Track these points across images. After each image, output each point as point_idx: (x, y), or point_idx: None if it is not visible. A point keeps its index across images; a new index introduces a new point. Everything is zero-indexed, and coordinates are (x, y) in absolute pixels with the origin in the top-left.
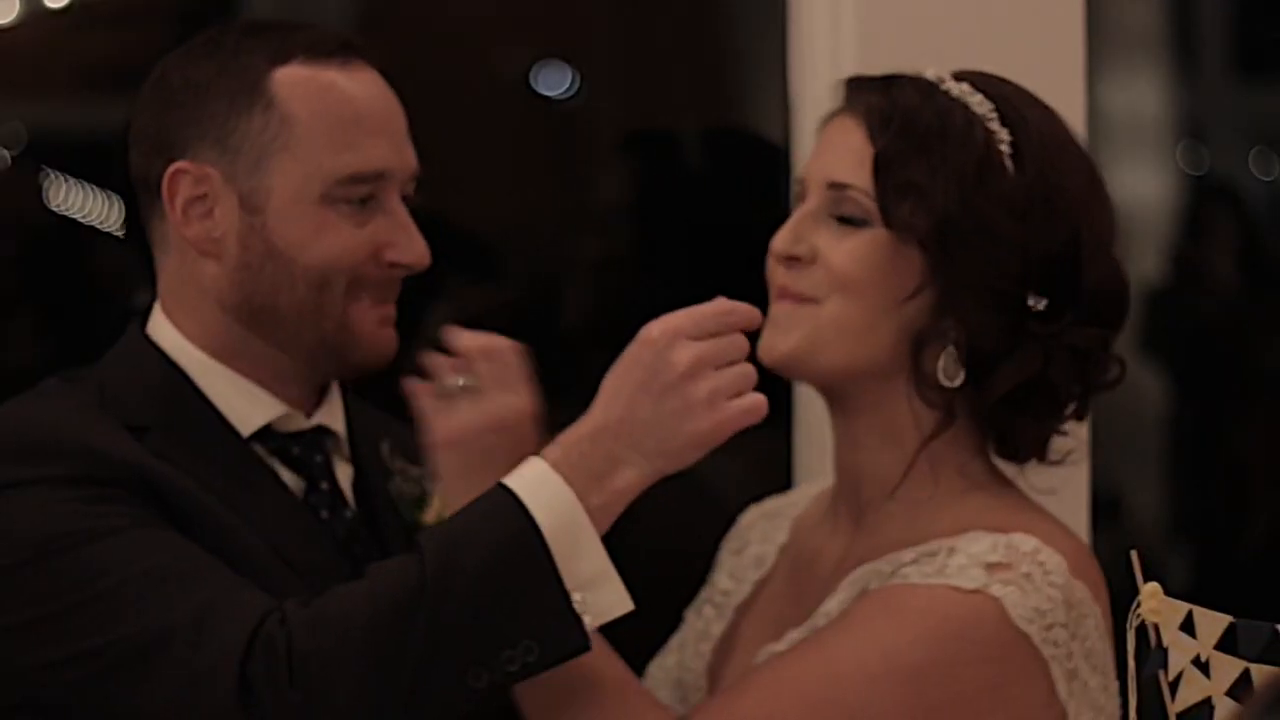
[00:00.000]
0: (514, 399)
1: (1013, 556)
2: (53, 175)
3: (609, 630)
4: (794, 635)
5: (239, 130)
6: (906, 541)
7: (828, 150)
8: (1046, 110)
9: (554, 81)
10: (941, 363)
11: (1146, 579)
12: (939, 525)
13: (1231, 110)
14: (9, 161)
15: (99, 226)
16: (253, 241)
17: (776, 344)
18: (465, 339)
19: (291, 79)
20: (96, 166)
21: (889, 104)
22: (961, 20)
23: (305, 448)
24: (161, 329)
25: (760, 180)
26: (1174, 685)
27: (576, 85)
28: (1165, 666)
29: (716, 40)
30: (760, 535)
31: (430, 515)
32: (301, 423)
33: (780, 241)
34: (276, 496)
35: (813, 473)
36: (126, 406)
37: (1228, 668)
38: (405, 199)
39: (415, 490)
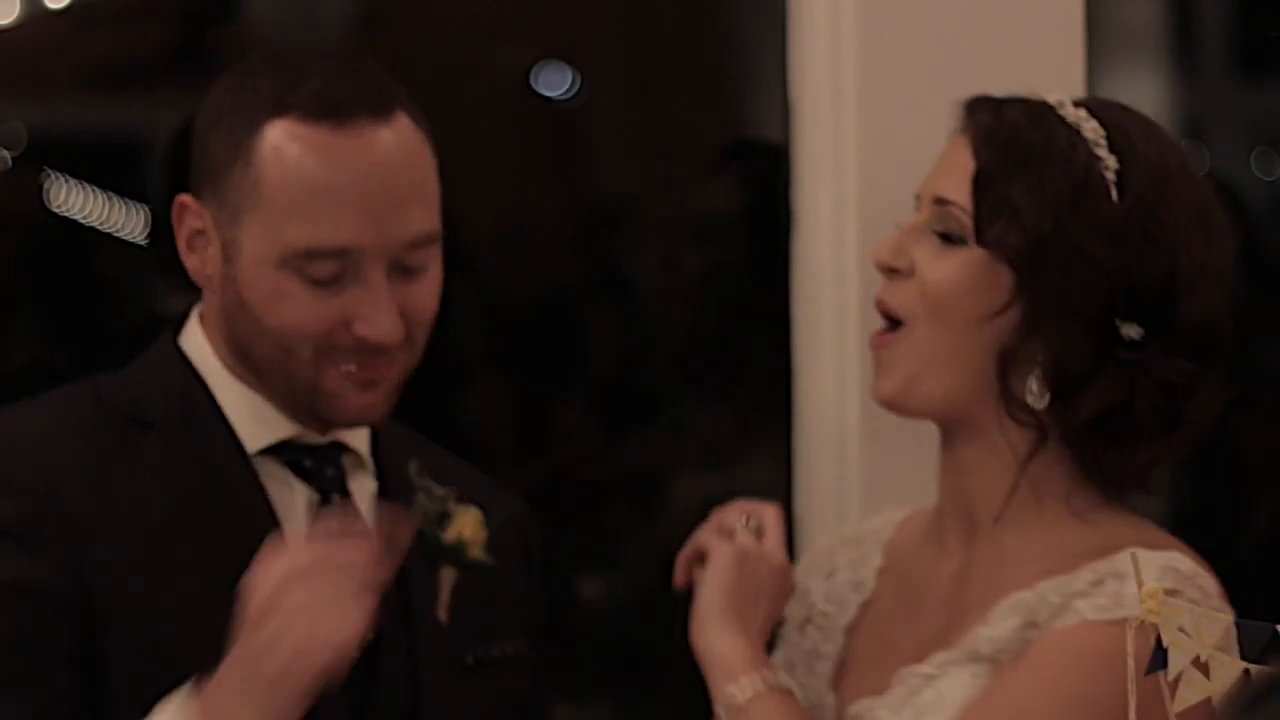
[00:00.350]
0: (781, 553)
1: (1180, 581)
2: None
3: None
4: (942, 658)
5: (226, 179)
6: (1050, 566)
7: (940, 167)
8: (1164, 142)
9: (554, 82)
10: (1029, 383)
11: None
12: (1082, 545)
13: (1231, 110)
14: (9, 163)
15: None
16: (229, 289)
17: (880, 386)
18: (739, 504)
19: (275, 138)
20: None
21: (997, 122)
22: (962, 20)
23: (318, 461)
24: (192, 338)
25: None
26: (1174, 686)
27: (576, 85)
28: (1165, 667)
29: (716, 42)
30: (848, 561)
31: (451, 535)
32: (316, 438)
33: (881, 252)
34: (257, 521)
35: (813, 494)
36: (136, 401)
37: (1228, 668)
38: (408, 268)
39: (438, 508)
